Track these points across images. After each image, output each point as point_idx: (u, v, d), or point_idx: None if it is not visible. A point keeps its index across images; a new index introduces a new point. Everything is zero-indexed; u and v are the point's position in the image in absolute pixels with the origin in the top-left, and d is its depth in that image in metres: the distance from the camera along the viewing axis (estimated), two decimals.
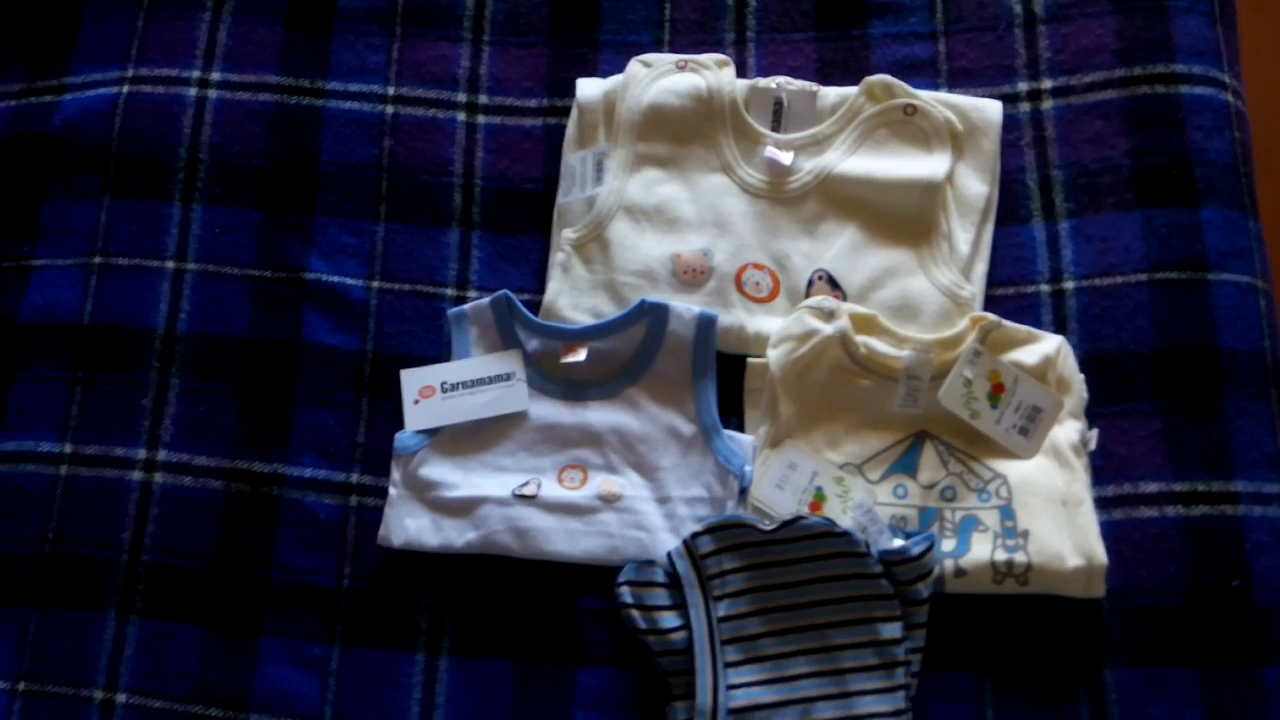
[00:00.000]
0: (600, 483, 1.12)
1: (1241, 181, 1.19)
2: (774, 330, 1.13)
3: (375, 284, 1.22)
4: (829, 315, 1.11)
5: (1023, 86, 1.23)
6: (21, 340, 1.23)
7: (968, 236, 1.16)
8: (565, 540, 1.10)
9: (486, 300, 1.17)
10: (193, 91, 1.29)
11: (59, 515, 1.17)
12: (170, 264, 1.23)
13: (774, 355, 1.11)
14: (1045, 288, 1.17)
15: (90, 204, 1.26)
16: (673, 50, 1.27)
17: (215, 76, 1.30)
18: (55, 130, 1.29)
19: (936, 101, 1.19)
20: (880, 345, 1.11)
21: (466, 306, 1.18)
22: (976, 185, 1.17)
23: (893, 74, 1.20)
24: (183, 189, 1.26)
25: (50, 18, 1.35)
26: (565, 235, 1.18)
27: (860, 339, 1.11)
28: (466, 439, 1.15)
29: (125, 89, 1.29)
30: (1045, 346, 1.11)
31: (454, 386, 1.15)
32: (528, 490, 1.12)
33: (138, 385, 1.20)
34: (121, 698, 1.11)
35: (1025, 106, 1.23)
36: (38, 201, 1.27)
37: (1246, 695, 1.03)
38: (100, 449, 1.18)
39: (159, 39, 1.32)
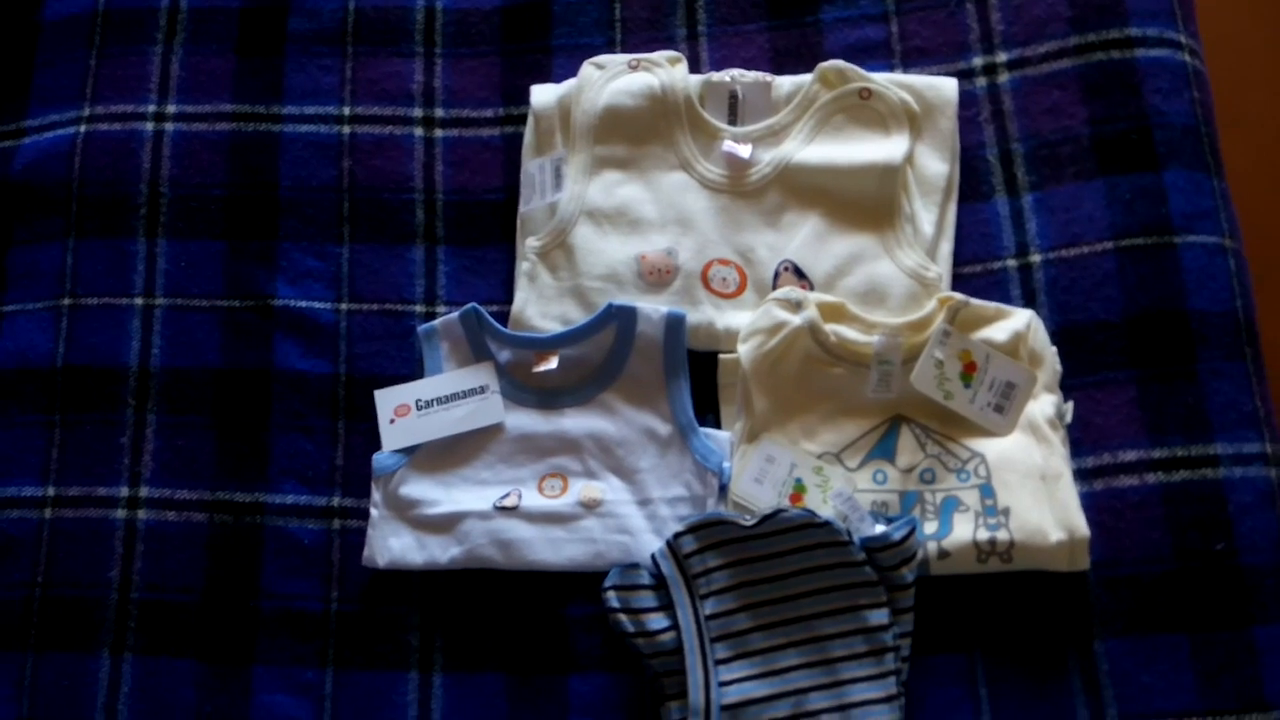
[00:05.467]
0: (580, 489, 1.12)
1: (1203, 141, 1.18)
2: (743, 325, 1.12)
3: (344, 306, 1.21)
4: (797, 306, 1.11)
5: (978, 61, 1.23)
6: None
7: (931, 217, 1.15)
8: (549, 549, 1.10)
9: (455, 315, 1.17)
10: (149, 126, 1.29)
11: (46, 558, 1.17)
12: (139, 300, 1.23)
13: (744, 349, 1.11)
14: (1012, 263, 1.16)
15: (55, 246, 1.26)
16: (625, 50, 1.27)
17: (171, 109, 1.29)
18: (15, 175, 1.28)
19: (891, 83, 1.18)
20: (850, 332, 1.11)
21: (436, 322, 1.18)
22: (937, 165, 1.17)
23: (847, 58, 1.20)
24: (146, 224, 1.25)
25: (3, 62, 1.35)
26: (529, 244, 1.18)
27: (829, 327, 1.11)
28: (444, 455, 1.14)
29: (83, 128, 1.29)
30: (1015, 322, 1.10)
31: (428, 403, 1.15)
32: (509, 502, 1.12)
33: (115, 424, 1.20)
34: None
35: (981, 81, 1.22)
36: (3, 247, 1.27)
37: (1238, 658, 1.03)
38: (83, 490, 1.18)
39: (113, 75, 1.32)
